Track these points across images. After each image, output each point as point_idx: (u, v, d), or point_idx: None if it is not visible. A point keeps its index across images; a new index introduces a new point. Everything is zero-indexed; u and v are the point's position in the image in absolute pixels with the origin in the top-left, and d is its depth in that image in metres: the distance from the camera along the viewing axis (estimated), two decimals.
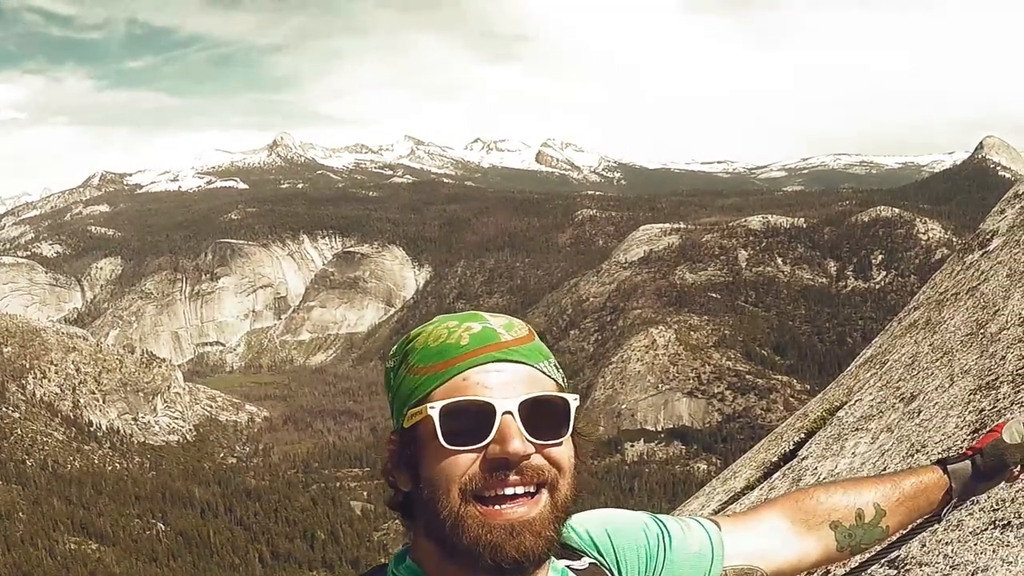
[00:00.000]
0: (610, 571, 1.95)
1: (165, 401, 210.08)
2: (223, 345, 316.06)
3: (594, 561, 1.94)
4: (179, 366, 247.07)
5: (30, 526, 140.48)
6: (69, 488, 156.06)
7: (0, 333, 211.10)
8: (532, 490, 1.62)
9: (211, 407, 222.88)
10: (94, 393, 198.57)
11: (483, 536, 1.59)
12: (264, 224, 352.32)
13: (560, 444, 1.67)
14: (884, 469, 4.55)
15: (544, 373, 1.72)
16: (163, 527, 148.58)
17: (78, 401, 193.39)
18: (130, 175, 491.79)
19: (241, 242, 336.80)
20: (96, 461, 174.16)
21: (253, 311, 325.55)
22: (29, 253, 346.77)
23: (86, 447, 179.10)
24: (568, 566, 1.87)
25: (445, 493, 1.61)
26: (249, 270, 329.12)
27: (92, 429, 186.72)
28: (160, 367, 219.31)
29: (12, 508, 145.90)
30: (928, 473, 2.16)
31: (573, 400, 1.71)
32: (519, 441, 1.59)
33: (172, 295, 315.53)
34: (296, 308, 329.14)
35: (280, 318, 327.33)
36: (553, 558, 1.78)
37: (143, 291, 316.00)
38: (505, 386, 1.65)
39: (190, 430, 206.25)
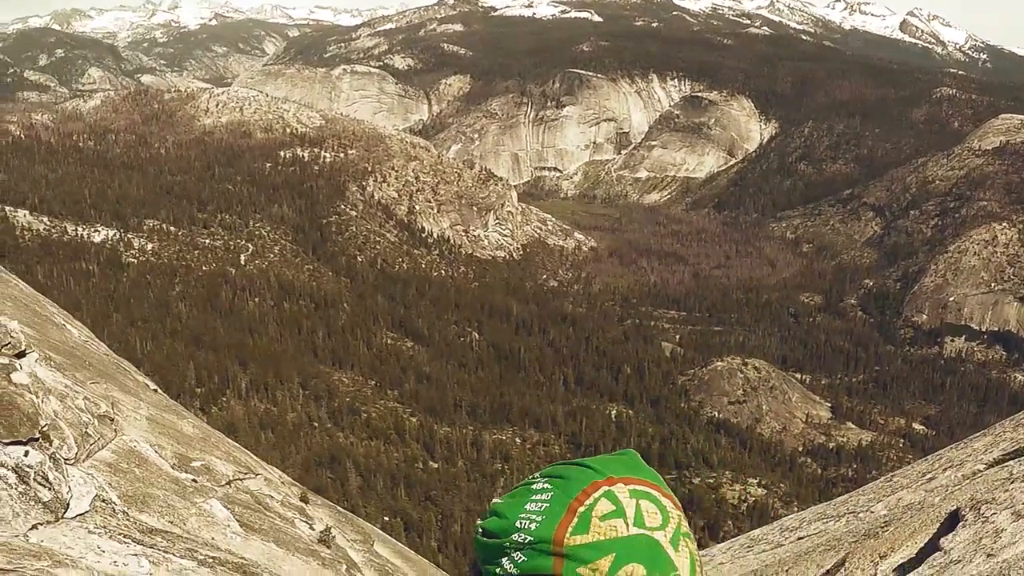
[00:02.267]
0: None
1: (497, 218, 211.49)
2: (560, 172, 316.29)
3: None
4: (515, 186, 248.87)
5: (353, 317, 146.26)
6: (394, 287, 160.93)
7: (347, 136, 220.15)
8: None
9: (541, 230, 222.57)
10: (430, 202, 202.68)
11: None
12: (614, 59, 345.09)
13: None
14: None
15: None
16: (477, 336, 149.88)
17: (414, 208, 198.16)
18: None
19: (590, 74, 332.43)
20: (423, 266, 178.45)
21: (594, 143, 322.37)
22: (381, 64, 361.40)
23: (415, 251, 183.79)
24: None
25: None
26: (594, 102, 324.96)
27: (424, 235, 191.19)
28: (497, 185, 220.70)
29: (339, 298, 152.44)
30: None
31: None
32: None
33: (516, 117, 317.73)
34: (637, 145, 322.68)
35: (620, 153, 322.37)
36: None
37: (488, 111, 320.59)
38: None
39: (517, 249, 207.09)
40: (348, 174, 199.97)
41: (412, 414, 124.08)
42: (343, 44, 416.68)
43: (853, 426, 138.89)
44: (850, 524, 14.32)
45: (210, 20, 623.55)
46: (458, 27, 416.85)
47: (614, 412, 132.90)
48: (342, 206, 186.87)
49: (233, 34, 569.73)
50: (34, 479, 17.26)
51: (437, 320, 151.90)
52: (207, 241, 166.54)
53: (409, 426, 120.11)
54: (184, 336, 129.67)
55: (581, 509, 1.61)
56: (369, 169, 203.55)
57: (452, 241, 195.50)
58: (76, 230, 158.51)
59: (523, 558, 1.58)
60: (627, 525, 1.58)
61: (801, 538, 15.01)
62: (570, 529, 1.57)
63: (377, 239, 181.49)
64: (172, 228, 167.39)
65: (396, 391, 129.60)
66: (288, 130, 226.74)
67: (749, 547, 16.48)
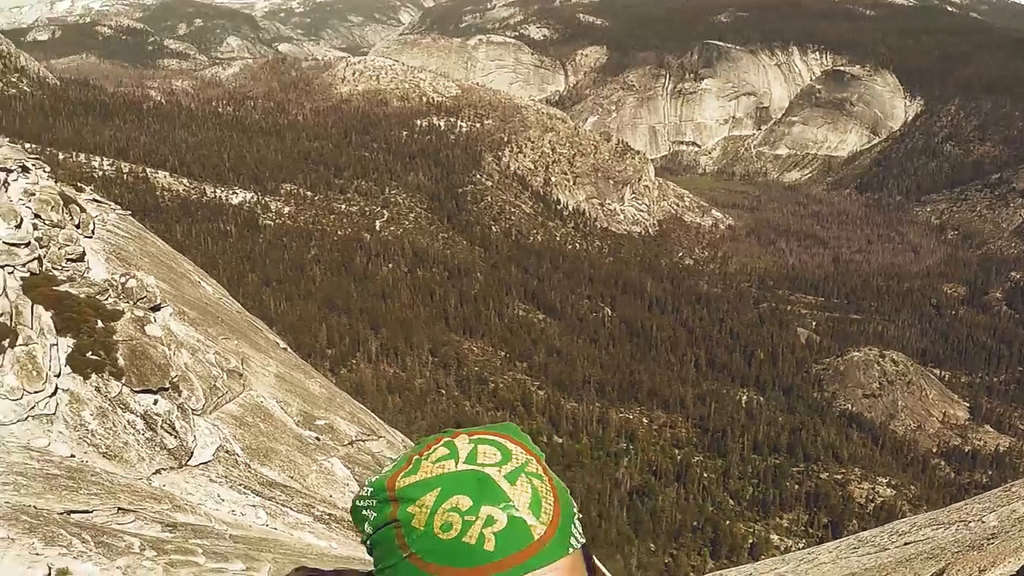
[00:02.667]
0: None
1: (634, 192, 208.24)
2: (698, 147, 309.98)
3: None
4: (652, 160, 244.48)
5: (486, 287, 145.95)
6: (528, 258, 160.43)
7: (483, 106, 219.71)
8: None
9: (678, 206, 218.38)
10: (566, 174, 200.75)
11: None
12: (754, 30, 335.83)
13: None
14: None
15: (575, 547, 1.54)
16: (609, 312, 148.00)
17: (549, 179, 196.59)
18: None
19: (729, 46, 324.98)
20: (558, 238, 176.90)
21: (733, 117, 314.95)
22: (517, 34, 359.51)
23: (550, 223, 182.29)
24: None
25: None
26: (734, 75, 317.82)
27: (559, 207, 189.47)
28: (634, 159, 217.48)
29: (472, 267, 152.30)
30: None
31: None
32: None
33: (654, 90, 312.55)
34: (777, 121, 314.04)
35: (759, 128, 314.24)
36: None
37: (625, 82, 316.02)
38: None
39: (653, 224, 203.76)
40: (484, 144, 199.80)
41: (540, 387, 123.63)
42: (478, 14, 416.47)
43: (991, 429, 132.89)
44: (958, 533, 13.83)
45: None
46: None
47: (744, 398, 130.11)
48: (478, 176, 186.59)
49: (369, 4, 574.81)
50: (161, 426, 19.35)
51: (570, 294, 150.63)
52: (343, 207, 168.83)
53: (536, 399, 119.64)
54: (317, 298, 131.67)
55: (417, 457, 1.61)
56: (505, 139, 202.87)
57: (587, 214, 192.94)
58: (215, 192, 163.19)
59: (373, 514, 1.56)
60: (456, 463, 1.55)
61: (907, 544, 14.49)
62: (402, 474, 1.56)
63: (512, 210, 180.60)
64: (309, 193, 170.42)
65: (525, 363, 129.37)
66: (424, 99, 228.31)
67: (855, 548, 15.79)
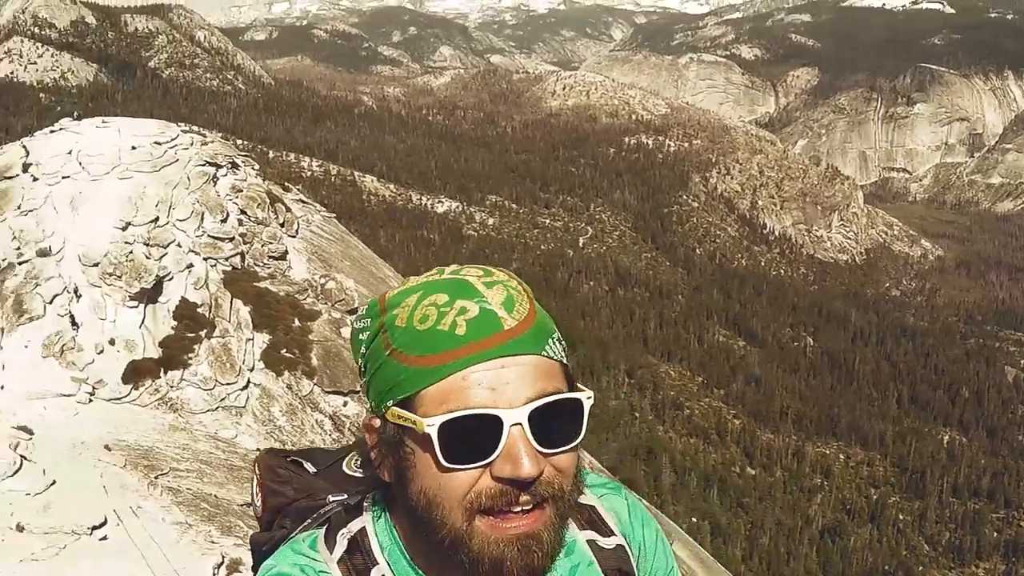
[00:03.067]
0: (630, 564, 1.78)
1: (842, 219, 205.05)
2: (909, 173, 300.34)
3: (622, 544, 1.79)
4: (861, 186, 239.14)
5: (687, 310, 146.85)
6: (731, 283, 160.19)
7: (692, 125, 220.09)
8: (537, 502, 1.44)
9: (886, 234, 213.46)
10: (773, 198, 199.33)
11: (487, 550, 1.43)
12: (968, 53, 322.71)
13: (572, 451, 1.50)
14: None
15: (552, 358, 1.52)
16: (811, 342, 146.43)
17: (756, 203, 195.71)
18: None
19: (942, 69, 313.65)
20: (762, 263, 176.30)
21: (945, 143, 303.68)
22: (728, 53, 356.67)
23: (755, 248, 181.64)
24: (594, 540, 1.75)
25: (446, 511, 1.44)
26: (947, 100, 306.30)
27: (765, 232, 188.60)
28: (843, 184, 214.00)
29: (674, 289, 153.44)
30: None
31: (587, 400, 1.54)
32: (530, 461, 1.40)
33: (865, 114, 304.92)
34: (991, 148, 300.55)
35: (972, 156, 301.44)
36: (576, 527, 1.72)
37: (836, 105, 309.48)
38: (512, 388, 1.43)
39: (860, 253, 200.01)
40: (691, 164, 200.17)
41: (736, 416, 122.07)
42: (690, 32, 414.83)
43: None
44: None
45: (559, 5, 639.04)
46: (806, 17, 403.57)
47: (946, 438, 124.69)
48: (684, 196, 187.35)
49: (581, 19, 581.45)
50: (348, 428, 19.51)
51: (772, 321, 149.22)
52: (547, 221, 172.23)
53: (731, 428, 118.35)
54: None
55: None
56: (713, 160, 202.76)
57: (793, 240, 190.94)
58: (420, 199, 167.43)
59: (366, 333, 1.57)
60: (441, 274, 1.59)
61: None
62: (393, 291, 1.59)
63: (717, 232, 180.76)
64: (514, 205, 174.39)
65: (722, 390, 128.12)
66: (633, 116, 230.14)
67: None
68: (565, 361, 1.55)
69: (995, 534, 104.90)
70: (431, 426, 1.38)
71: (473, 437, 1.39)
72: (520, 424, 1.39)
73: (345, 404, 19.82)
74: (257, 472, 1.85)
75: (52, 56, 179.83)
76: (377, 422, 1.53)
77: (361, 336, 1.59)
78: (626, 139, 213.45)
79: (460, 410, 1.39)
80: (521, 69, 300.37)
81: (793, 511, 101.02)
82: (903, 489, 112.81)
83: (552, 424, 1.43)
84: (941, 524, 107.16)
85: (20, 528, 11.27)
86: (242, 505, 13.48)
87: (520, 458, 1.37)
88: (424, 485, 1.44)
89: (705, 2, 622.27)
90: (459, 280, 1.54)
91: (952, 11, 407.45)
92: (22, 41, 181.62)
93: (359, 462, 1.79)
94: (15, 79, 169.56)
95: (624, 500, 1.83)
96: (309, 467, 1.86)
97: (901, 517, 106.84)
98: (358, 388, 19.08)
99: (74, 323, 17.83)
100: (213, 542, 12.02)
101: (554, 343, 1.53)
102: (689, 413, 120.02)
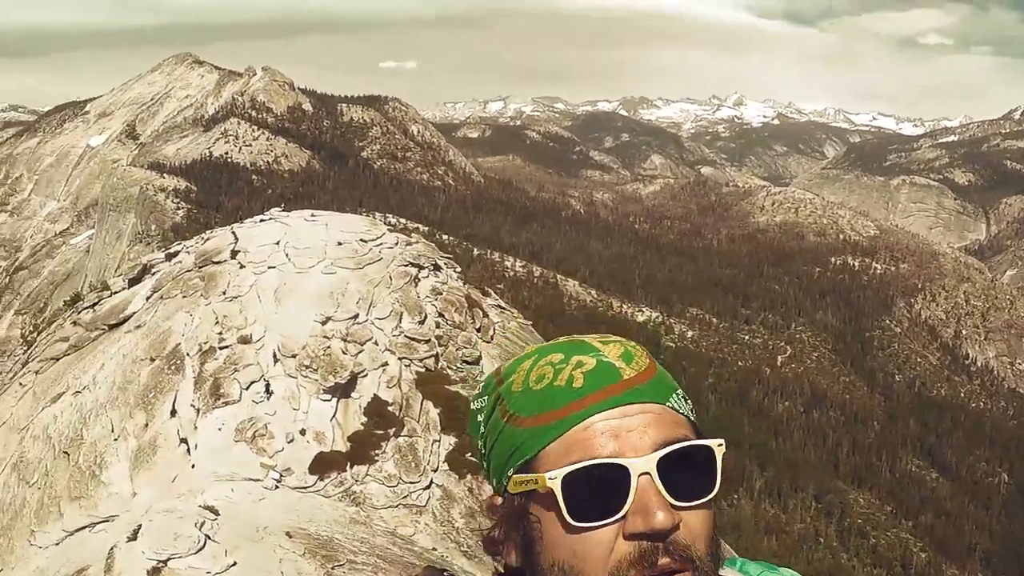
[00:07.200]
0: None
1: None
2: None
3: None
4: None
5: (881, 436, 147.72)
6: (928, 413, 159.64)
7: (899, 249, 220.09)
8: (677, 567, 1.34)
9: None
10: (977, 328, 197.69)
11: None
12: None
13: (706, 507, 1.42)
14: None
15: (677, 411, 1.49)
16: (1006, 478, 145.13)
17: (960, 332, 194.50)
18: None
19: None
20: (962, 394, 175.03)
21: None
22: (941, 177, 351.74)
23: (956, 378, 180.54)
24: None
25: None
26: None
27: (967, 362, 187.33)
28: None
29: (870, 415, 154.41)
30: None
31: (719, 447, 1.45)
32: (663, 513, 1.33)
33: None
34: None
35: None
36: None
37: None
38: (637, 435, 1.38)
39: None
40: (897, 288, 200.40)
41: (922, 549, 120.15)
42: (903, 154, 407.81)
43: None
44: None
45: (772, 119, 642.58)
46: (1022, 144, 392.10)
47: None
48: (887, 321, 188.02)
49: (794, 135, 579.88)
50: None
51: (967, 454, 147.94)
52: (747, 337, 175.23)
53: (917, 561, 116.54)
54: (708, 427, 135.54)
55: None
56: (919, 286, 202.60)
57: (996, 372, 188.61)
58: (621, 307, 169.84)
59: (484, 408, 1.53)
60: (558, 340, 1.57)
61: None
62: (508, 361, 1.56)
63: (918, 360, 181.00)
64: (714, 319, 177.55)
65: (911, 522, 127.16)
66: (841, 236, 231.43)
67: None
68: (692, 418, 1.53)
69: None
70: (553, 479, 1.36)
71: (600, 491, 1.35)
72: (648, 473, 1.36)
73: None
74: None
75: (267, 139, 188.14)
76: (499, 500, 1.51)
77: (479, 417, 1.56)
78: (832, 259, 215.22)
79: (583, 460, 1.37)
80: (731, 182, 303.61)
81: None
82: None
83: (683, 475, 1.39)
84: None
85: None
86: None
87: (652, 508, 1.33)
88: (556, 557, 1.40)
89: (920, 123, 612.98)
90: (574, 340, 1.56)
91: None
92: (239, 123, 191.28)
93: None
94: (229, 159, 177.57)
95: None
96: None
97: None
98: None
99: (268, 411, 18.67)
100: None
101: (679, 398, 1.51)
102: (875, 543, 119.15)
